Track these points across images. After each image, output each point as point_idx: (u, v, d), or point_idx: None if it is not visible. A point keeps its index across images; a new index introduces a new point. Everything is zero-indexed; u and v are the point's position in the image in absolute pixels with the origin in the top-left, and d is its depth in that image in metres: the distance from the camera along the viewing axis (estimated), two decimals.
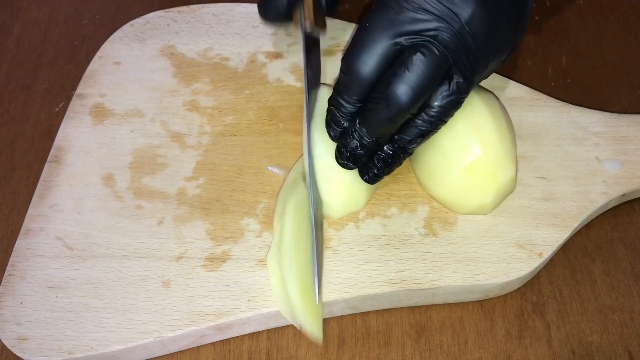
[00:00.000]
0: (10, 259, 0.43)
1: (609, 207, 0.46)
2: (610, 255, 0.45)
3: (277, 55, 0.52)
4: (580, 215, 0.44)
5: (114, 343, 0.39)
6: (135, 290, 0.41)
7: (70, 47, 0.58)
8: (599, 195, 0.44)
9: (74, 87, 0.54)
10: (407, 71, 0.36)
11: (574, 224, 0.43)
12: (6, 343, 0.40)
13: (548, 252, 0.42)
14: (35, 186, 0.48)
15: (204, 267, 0.42)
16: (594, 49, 0.56)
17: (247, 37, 0.53)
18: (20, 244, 0.44)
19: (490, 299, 0.43)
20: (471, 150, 0.41)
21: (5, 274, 0.42)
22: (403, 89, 0.36)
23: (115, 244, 0.43)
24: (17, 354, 0.39)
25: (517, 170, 0.43)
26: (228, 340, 0.42)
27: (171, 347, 0.41)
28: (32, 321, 0.40)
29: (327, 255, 0.42)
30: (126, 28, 0.55)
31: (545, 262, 0.43)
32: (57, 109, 0.54)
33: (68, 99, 0.54)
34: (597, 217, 0.46)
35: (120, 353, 0.40)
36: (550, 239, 0.43)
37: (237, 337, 0.42)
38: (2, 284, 0.42)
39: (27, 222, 0.44)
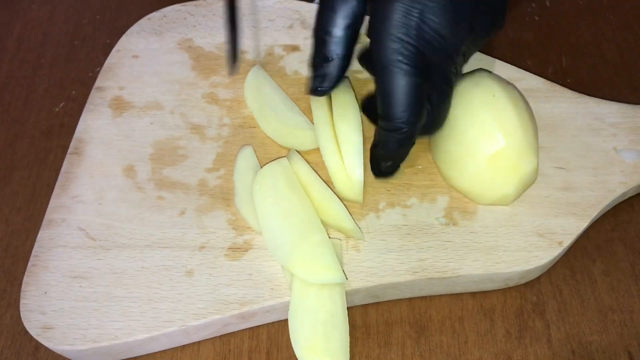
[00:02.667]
0: (33, 250, 0.43)
1: (627, 196, 0.46)
2: (610, 255, 0.45)
3: (295, 48, 0.53)
4: (599, 204, 0.44)
5: (138, 332, 0.40)
6: (159, 279, 0.42)
7: (70, 47, 0.58)
8: (617, 184, 0.45)
9: (74, 87, 0.55)
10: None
11: (593, 213, 0.44)
12: (32, 332, 0.40)
13: (568, 241, 0.42)
14: (35, 186, 0.48)
15: (227, 257, 0.42)
16: (594, 49, 0.57)
17: (264, 30, 0.54)
18: (42, 234, 0.44)
19: (490, 299, 0.43)
20: (494, 140, 0.41)
21: (29, 264, 0.43)
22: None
23: (138, 234, 0.43)
24: (43, 342, 0.39)
25: (538, 160, 0.43)
26: (228, 339, 0.42)
27: (195, 336, 0.41)
28: (57, 310, 0.40)
29: (349, 244, 0.43)
30: (143, 22, 0.55)
31: (565, 251, 0.43)
32: (57, 109, 0.54)
33: (68, 99, 0.54)
34: (596, 218, 0.46)
35: (145, 342, 0.40)
36: (570, 227, 0.43)
37: (238, 337, 0.42)
38: (25, 274, 0.42)
39: (49, 213, 0.45)
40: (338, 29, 0.39)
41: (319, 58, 0.41)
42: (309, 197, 0.43)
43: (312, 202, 0.43)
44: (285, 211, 0.42)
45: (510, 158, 0.41)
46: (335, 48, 0.40)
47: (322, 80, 0.41)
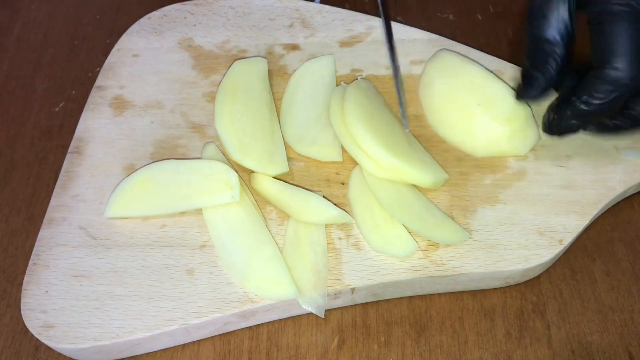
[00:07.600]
0: (34, 249, 0.43)
1: (627, 194, 0.46)
2: (610, 255, 0.45)
3: (295, 47, 0.53)
4: (599, 202, 0.44)
5: (139, 330, 0.40)
6: (160, 278, 0.42)
7: (70, 47, 0.58)
8: (617, 183, 0.45)
9: (74, 87, 0.55)
10: None
11: (593, 211, 0.44)
12: (32, 331, 0.40)
13: (568, 239, 0.43)
14: (35, 186, 0.48)
15: None
16: None
17: (264, 29, 0.54)
18: (43, 233, 0.44)
19: (491, 299, 0.43)
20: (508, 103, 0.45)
21: (30, 263, 0.43)
22: None
23: (139, 233, 0.44)
24: (44, 341, 0.40)
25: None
26: (228, 339, 0.42)
27: (195, 335, 0.41)
28: (58, 309, 0.41)
29: (350, 243, 0.43)
30: (143, 21, 0.55)
31: (566, 249, 0.43)
32: (57, 109, 0.54)
33: (68, 98, 0.54)
34: (597, 217, 0.46)
35: (146, 340, 0.40)
36: (571, 226, 0.43)
37: (238, 337, 0.42)
38: (26, 273, 0.42)
39: (50, 212, 0.45)
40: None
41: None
42: (285, 208, 0.44)
43: (291, 211, 0.43)
44: (234, 226, 0.43)
45: (521, 120, 0.45)
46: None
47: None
